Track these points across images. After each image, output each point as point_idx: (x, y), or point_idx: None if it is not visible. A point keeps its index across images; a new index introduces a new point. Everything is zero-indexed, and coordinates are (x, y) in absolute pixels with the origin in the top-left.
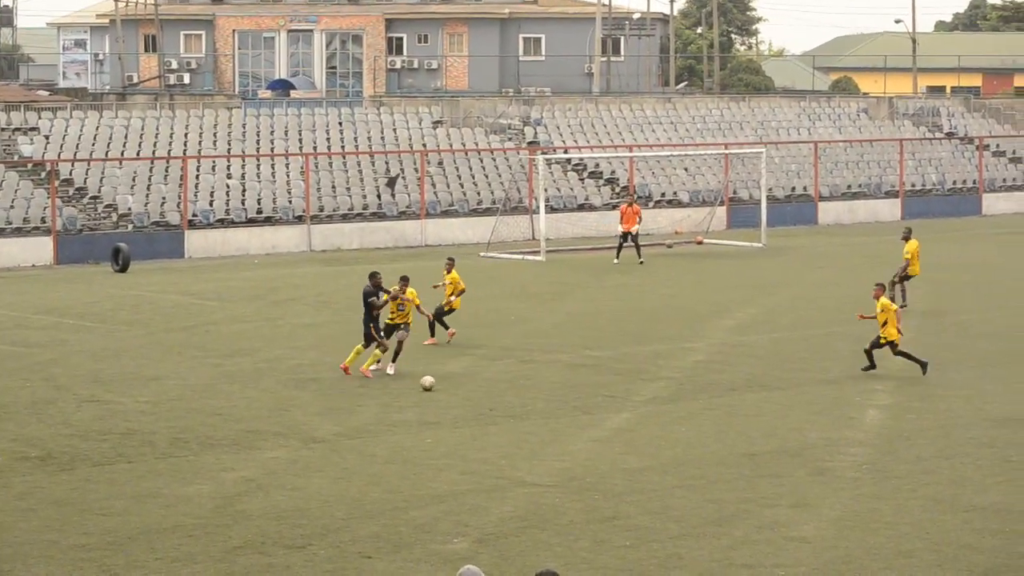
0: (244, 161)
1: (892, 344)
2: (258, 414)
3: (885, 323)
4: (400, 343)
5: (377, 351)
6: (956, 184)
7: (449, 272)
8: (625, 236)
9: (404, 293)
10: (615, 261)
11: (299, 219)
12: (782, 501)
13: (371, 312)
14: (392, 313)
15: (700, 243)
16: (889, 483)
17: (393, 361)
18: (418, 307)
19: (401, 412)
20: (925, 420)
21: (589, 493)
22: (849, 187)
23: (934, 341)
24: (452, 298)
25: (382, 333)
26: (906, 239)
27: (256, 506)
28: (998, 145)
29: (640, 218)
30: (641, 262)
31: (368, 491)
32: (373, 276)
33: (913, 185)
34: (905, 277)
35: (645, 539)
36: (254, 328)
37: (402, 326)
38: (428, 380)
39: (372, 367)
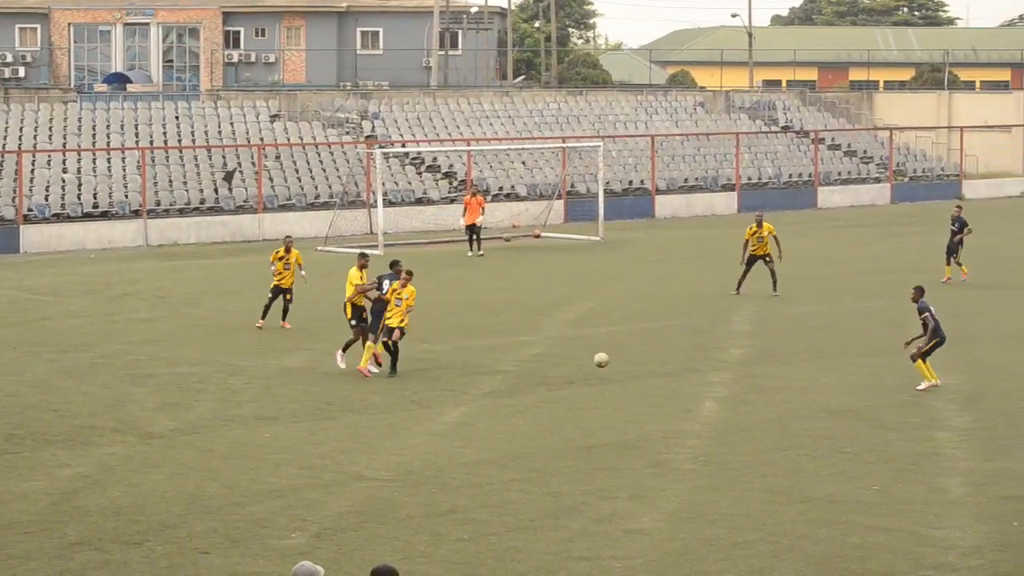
0: (80, 155)
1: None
2: (94, 410)
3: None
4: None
5: (369, 344)
6: (792, 177)
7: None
8: (471, 228)
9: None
10: (469, 254)
11: (136, 213)
12: (620, 493)
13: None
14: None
15: (538, 237)
16: (726, 475)
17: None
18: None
19: (239, 407)
20: (761, 412)
21: (426, 487)
22: (686, 180)
23: (770, 332)
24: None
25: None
26: (759, 223)
27: (93, 502)
28: (833, 139)
29: (483, 210)
30: (481, 255)
31: (205, 486)
32: (394, 264)
33: (749, 178)
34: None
35: (482, 532)
36: (90, 323)
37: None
38: (602, 356)
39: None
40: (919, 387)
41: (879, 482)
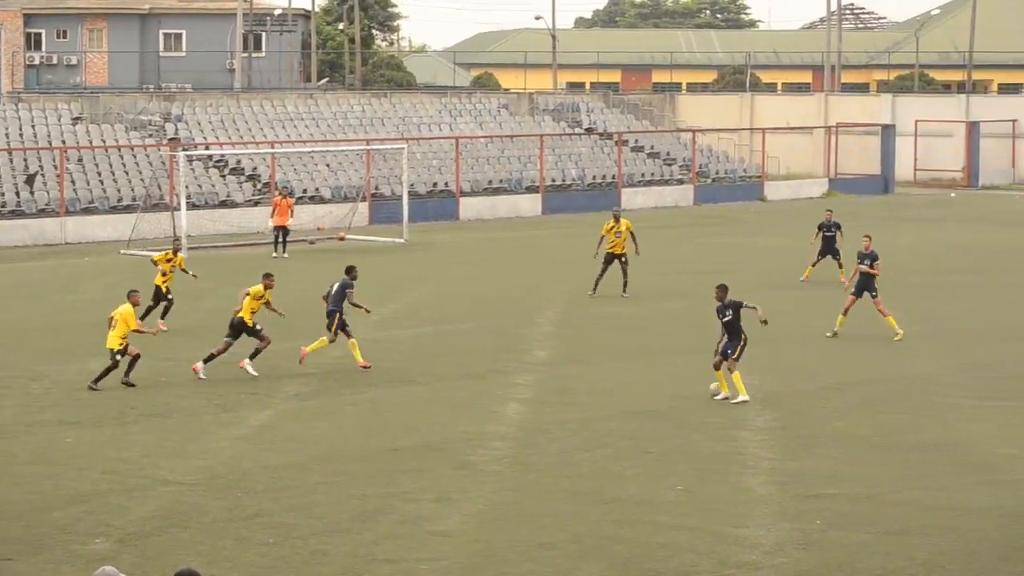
0: None
1: None
2: None
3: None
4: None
5: (324, 340)
6: (596, 179)
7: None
8: (279, 229)
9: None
10: (274, 255)
11: None
12: (425, 495)
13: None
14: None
15: (342, 239)
16: (531, 476)
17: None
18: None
19: (41, 412)
20: (566, 413)
21: (231, 491)
22: (490, 182)
23: (575, 334)
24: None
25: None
26: (616, 218)
27: None
28: (636, 140)
29: (292, 211)
30: (285, 257)
31: (9, 493)
32: (350, 270)
33: (554, 180)
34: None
35: (288, 536)
36: None
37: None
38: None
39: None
40: (718, 396)
41: (683, 482)
